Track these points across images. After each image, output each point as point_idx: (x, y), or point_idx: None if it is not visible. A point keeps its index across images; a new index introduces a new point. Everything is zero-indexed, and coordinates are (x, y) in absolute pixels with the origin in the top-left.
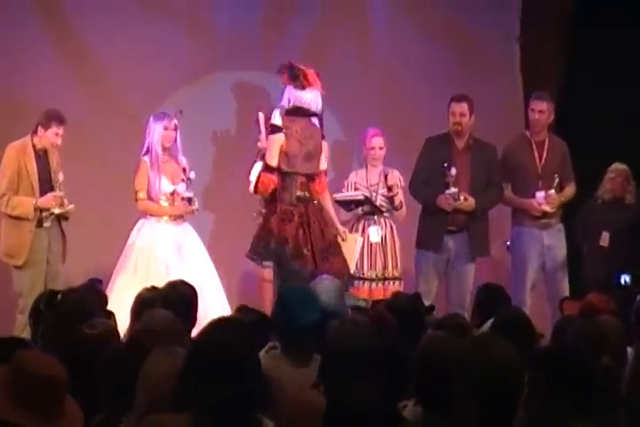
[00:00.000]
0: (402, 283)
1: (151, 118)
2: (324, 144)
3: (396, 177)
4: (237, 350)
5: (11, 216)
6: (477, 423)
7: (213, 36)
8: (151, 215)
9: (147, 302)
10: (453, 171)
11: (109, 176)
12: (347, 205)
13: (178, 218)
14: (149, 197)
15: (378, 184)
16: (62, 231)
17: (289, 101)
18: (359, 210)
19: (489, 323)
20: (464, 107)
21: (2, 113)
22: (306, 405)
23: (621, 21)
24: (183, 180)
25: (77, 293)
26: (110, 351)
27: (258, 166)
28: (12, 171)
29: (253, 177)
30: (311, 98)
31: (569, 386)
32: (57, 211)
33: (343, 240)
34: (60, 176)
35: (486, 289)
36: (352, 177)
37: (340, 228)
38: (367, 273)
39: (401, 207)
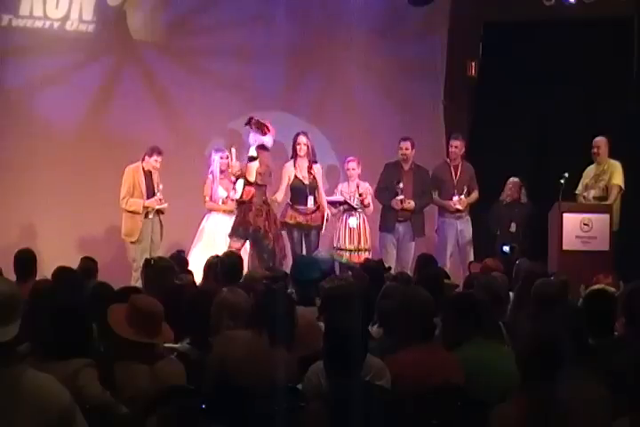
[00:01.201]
0: (370, 253)
1: (212, 151)
2: (318, 167)
3: (366, 187)
4: None
5: (128, 211)
6: (411, 335)
7: (251, 89)
8: (213, 211)
9: (212, 265)
10: (401, 185)
11: (186, 186)
12: (334, 204)
13: (229, 212)
14: (212, 200)
15: (354, 192)
16: (160, 221)
17: (255, 142)
18: (341, 207)
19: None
20: (408, 144)
21: (106, 142)
22: (313, 329)
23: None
24: (233, 189)
25: (167, 259)
26: (191, 294)
27: (240, 182)
28: (129, 183)
29: (239, 189)
30: (268, 140)
31: (469, 316)
32: (157, 207)
33: None
34: (160, 186)
35: (421, 257)
36: (339, 187)
37: None
38: (348, 246)
39: (368, 206)
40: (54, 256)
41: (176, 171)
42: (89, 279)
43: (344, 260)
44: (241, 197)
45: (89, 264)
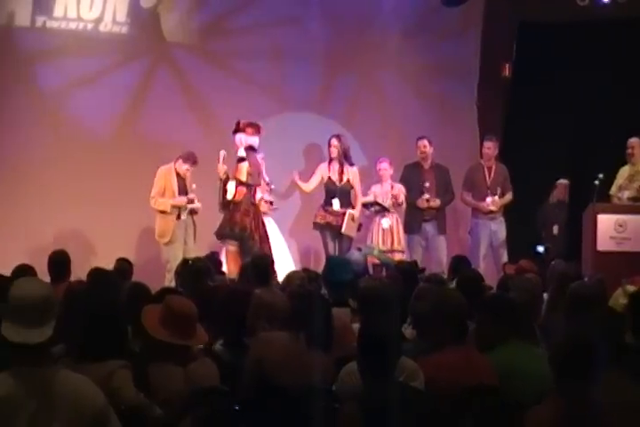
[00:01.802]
0: (404, 254)
1: None
2: (353, 169)
3: (399, 188)
4: None
5: (159, 211)
6: (445, 337)
7: (284, 90)
8: None
9: (245, 266)
10: (427, 184)
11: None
12: (365, 205)
13: (263, 213)
14: None
15: (387, 193)
16: (194, 222)
17: (241, 143)
18: (372, 208)
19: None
20: (425, 142)
21: (140, 143)
22: (347, 330)
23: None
24: (267, 190)
25: (202, 260)
26: (225, 296)
27: (232, 184)
28: (161, 184)
29: (231, 190)
30: (254, 141)
31: (503, 318)
32: (189, 206)
33: None
34: (193, 186)
35: (456, 258)
36: (373, 188)
37: None
38: (381, 247)
39: (402, 204)
40: (89, 258)
41: (209, 172)
42: (124, 281)
43: (376, 252)
44: (234, 197)
45: (124, 265)
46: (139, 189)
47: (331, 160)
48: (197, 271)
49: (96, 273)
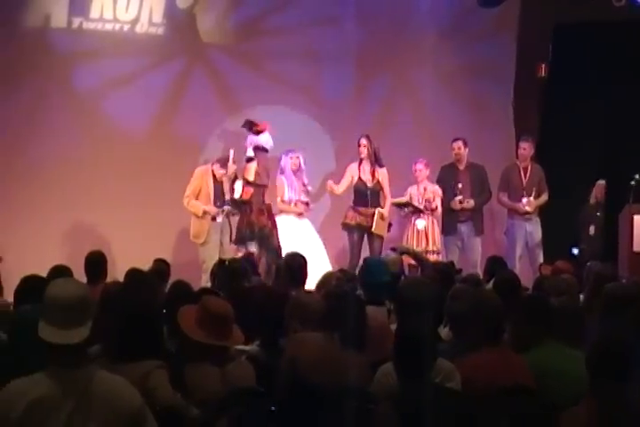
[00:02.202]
0: (439, 255)
1: (283, 153)
2: (383, 170)
3: (435, 189)
4: None
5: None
6: (481, 338)
7: (319, 91)
8: (283, 212)
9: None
10: (460, 185)
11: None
12: (399, 206)
13: (299, 214)
14: (283, 201)
15: (422, 194)
16: (230, 224)
17: (251, 143)
18: (406, 209)
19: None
20: (460, 143)
21: (175, 144)
22: (384, 330)
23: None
24: (304, 191)
25: (238, 261)
26: (261, 296)
27: (239, 183)
28: (196, 184)
29: (238, 189)
30: (265, 140)
31: (539, 319)
32: (226, 208)
33: None
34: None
35: (491, 259)
36: (409, 189)
37: None
38: (416, 248)
39: (436, 209)
40: (125, 258)
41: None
42: (161, 281)
43: (410, 249)
44: (241, 196)
45: (161, 266)
46: (174, 190)
47: (361, 160)
48: (233, 272)
49: (133, 274)
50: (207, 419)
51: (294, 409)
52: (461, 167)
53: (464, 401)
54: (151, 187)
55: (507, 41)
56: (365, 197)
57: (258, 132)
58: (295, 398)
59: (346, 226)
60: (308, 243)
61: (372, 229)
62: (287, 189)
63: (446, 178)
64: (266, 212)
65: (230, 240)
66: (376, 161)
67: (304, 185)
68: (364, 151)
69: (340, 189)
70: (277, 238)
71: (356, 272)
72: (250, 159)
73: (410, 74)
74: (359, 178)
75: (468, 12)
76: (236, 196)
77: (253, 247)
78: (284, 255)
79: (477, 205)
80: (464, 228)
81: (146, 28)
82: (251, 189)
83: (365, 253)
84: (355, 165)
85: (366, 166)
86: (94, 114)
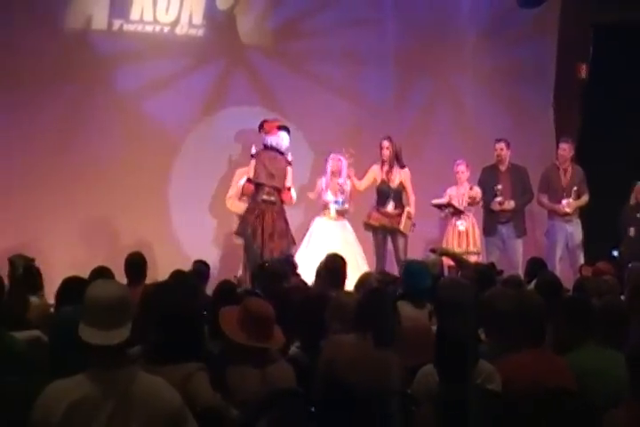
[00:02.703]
0: (480, 256)
1: (327, 156)
2: (405, 171)
3: (477, 191)
4: None
5: (233, 212)
6: (523, 339)
7: (359, 92)
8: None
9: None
10: (499, 186)
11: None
12: (439, 206)
13: (337, 215)
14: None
15: (463, 195)
16: None
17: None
18: (447, 210)
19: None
20: (502, 144)
21: (215, 145)
22: (424, 331)
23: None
24: (340, 191)
25: (278, 262)
26: (301, 298)
27: (243, 179)
28: (239, 185)
29: (239, 185)
30: (272, 140)
31: (580, 321)
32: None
33: None
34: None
35: (532, 260)
36: (449, 191)
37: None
38: (457, 249)
39: (478, 203)
40: (165, 260)
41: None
42: (201, 283)
43: (450, 250)
44: (241, 192)
45: (201, 268)
46: (213, 191)
47: (383, 162)
48: (274, 274)
49: (175, 275)
50: (247, 420)
51: (332, 410)
52: (503, 168)
53: (505, 403)
54: (190, 188)
55: (547, 42)
56: (388, 198)
57: (267, 132)
58: (332, 400)
59: (369, 227)
60: (346, 244)
61: (401, 228)
62: (325, 192)
63: (488, 179)
64: (257, 211)
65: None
66: (397, 162)
67: (339, 185)
68: (386, 153)
69: (361, 185)
70: (260, 243)
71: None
72: (251, 156)
73: (449, 75)
74: (382, 180)
75: (507, 14)
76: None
77: (239, 241)
78: (324, 257)
79: (518, 207)
80: (504, 229)
81: (186, 29)
82: (250, 187)
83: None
84: (377, 167)
85: (388, 168)
86: (135, 115)
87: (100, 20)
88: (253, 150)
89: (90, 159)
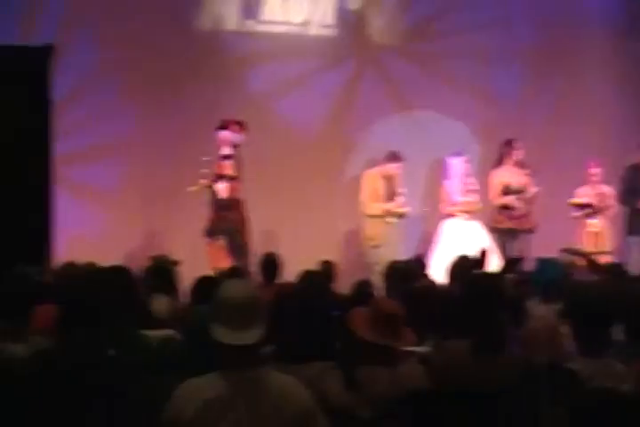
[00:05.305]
0: (612, 256)
1: (451, 155)
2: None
3: (608, 190)
4: None
5: (369, 215)
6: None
7: (489, 91)
8: (450, 215)
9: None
10: None
11: (424, 190)
12: (579, 206)
13: (467, 215)
14: (450, 204)
15: (596, 195)
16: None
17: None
18: (585, 210)
19: None
20: None
21: (346, 145)
22: (551, 329)
23: None
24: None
25: (409, 262)
26: (433, 298)
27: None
28: (370, 187)
29: (222, 188)
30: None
31: None
32: (398, 211)
33: None
34: (401, 190)
35: None
36: (580, 190)
37: None
38: (588, 249)
39: (609, 208)
40: (294, 260)
41: (415, 175)
42: (329, 282)
43: (581, 250)
44: (230, 192)
45: (328, 268)
46: (344, 191)
47: (510, 164)
48: (404, 274)
49: (306, 275)
50: (378, 420)
51: (454, 412)
52: None
53: (636, 405)
54: (321, 188)
55: None
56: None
57: (236, 131)
58: (453, 402)
59: (494, 230)
60: (479, 244)
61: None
62: (453, 193)
63: (633, 178)
64: (232, 208)
65: (401, 242)
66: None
67: (468, 185)
68: (519, 154)
69: (498, 200)
70: (245, 237)
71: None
72: (227, 157)
73: (582, 74)
74: (507, 182)
75: None
76: (223, 195)
77: (222, 241)
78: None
79: None
80: None
81: (317, 29)
82: (237, 185)
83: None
84: (502, 170)
85: (516, 169)
86: (267, 115)
87: (231, 20)
88: (228, 151)
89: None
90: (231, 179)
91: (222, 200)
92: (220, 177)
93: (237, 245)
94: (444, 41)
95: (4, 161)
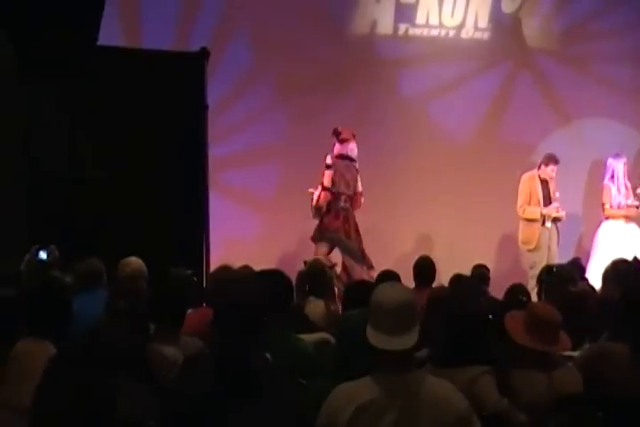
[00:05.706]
0: None
1: (610, 157)
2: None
3: None
4: None
5: (525, 219)
6: None
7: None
8: (611, 218)
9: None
10: None
11: (582, 193)
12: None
13: (626, 218)
14: (611, 207)
15: None
16: (557, 229)
17: (335, 151)
18: None
19: None
20: None
21: (502, 148)
22: None
23: None
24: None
25: (566, 266)
26: (591, 302)
27: (319, 188)
28: (526, 191)
29: (315, 196)
30: (348, 149)
31: None
32: (554, 215)
33: None
34: (557, 194)
35: None
36: None
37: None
38: None
39: None
40: (448, 263)
41: (572, 178)
42: (483, 286)
43: None
44: (317, 201)
45: (482, 271)
46: (499, 195)
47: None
48: (561, 277)
49: (458, 279)
50: (535, 425)
51: (611, 417)
52: None
53: None
54: (476, 191)
55: None
56: None
57: (342, 141)
58: (610, 407)
59: None
60: (635, 247)
61: None
62: (615, 194)
63: None
64: (342, 217)
65: (557, 246)
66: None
67: (626, 188)
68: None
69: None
70: (354, 241)
71: None
72: (328, 166)
73: None
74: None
75: None
76: (313, 203)
77: (324, 247)
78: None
79: None
80: None
81: (471, 33)
82: (328, 195)
83: None
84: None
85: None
86: (420, 119)
87: (385, 24)
88: (329, 161)
89: (374, 162)
90: (324, 189)
91: (319, 208)
92: (321, 185)
93: (345, 251)
94: (601, 42)
95: (160, 166)
